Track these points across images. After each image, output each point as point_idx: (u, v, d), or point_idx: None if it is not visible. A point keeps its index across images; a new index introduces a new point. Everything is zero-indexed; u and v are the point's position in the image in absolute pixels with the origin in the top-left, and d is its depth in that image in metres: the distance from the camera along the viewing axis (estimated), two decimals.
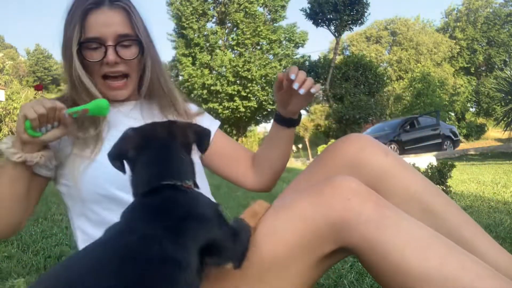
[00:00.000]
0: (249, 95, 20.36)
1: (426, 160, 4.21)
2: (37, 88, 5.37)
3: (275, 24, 21.84)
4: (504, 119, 10.39)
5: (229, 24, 21.86)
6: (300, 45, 22.25)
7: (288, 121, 1.03)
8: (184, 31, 20.88)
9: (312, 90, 0.91)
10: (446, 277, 0.62)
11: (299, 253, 0.72)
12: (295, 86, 0.89)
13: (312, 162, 0.99)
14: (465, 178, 4.55)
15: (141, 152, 0.62)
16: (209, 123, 1.09)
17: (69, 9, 0.91)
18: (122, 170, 0.64)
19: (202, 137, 0.69)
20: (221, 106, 20.49)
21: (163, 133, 0.65)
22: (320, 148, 14.43)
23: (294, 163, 12.53)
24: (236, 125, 22.42)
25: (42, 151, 0.82)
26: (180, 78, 21.93)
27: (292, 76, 0.89)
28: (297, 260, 0.72)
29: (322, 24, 14.18)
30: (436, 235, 0.69)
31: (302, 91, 0.89)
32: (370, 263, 0.69)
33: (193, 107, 1.11)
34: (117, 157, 0.63)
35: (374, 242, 0.67)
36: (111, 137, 0.88)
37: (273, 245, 0.72)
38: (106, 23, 0.89)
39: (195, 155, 0.73)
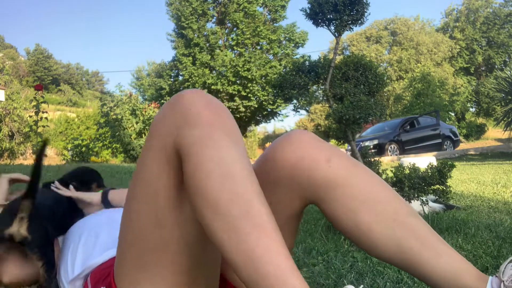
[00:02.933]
0: (249, 94, 20.36)
1: (426, 160, 4.20)
2: (37, 88, 5.37)
3: (275, 24, 21.83)
4: (504, 119, 10.39)
5: (229, 24, 21.84)
6: (300, 45, 22.21)
7: None
8: (183, 31, 20.87)
9: None
10: (233, 214, 0.61)
11: (161, 172, 0.71)
12: None
13: (253, 165, 0.87)
14: (465, 178, 4.54)
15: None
16: None
17: None
18: None
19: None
20: None
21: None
22: None
23: None
24: None
25: None
26: (180, 78, 21.93)
27: None
28: (162, 185, 0.71)
29: (322, 24, 14.13)
30: (250, 179, 0.65)
31: None
32: (184, 179, 0.68)
33: None
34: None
35: (193, 156, 0.65)
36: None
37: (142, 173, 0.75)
38: None
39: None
